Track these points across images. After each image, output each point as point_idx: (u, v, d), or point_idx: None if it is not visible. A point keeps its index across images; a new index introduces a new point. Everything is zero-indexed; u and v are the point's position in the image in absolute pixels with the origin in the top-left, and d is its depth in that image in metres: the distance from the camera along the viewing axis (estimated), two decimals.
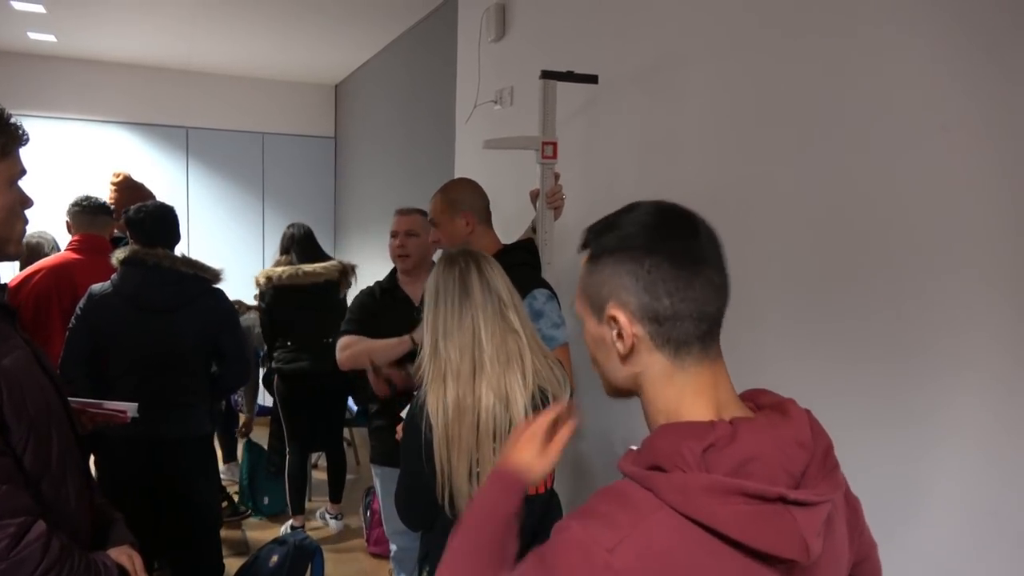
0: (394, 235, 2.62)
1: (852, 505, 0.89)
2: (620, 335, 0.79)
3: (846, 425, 1.71)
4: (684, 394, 0.78)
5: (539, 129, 2.32)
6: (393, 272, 2.68)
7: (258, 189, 6.38)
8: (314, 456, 4.49)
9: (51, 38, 5.09)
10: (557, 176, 2.35)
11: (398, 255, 2.61)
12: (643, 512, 0.70)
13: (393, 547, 2.70)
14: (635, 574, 0.67)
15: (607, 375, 0.85)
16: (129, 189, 3.56)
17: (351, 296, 4.13)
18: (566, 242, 2.29)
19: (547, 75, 2.31)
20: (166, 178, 5.85)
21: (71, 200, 3.15)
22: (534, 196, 2.33)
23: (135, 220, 2.61)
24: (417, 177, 4.66)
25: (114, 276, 2.56)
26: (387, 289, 2.63)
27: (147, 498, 2.55)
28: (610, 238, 0.79)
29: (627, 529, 0.69)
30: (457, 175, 3.97)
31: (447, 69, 4.04)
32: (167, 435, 2.54)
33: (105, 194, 3.42)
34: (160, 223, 2.62)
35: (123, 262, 2.54)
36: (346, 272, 3.83)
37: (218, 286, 2.69)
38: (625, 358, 0.80)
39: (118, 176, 3.65)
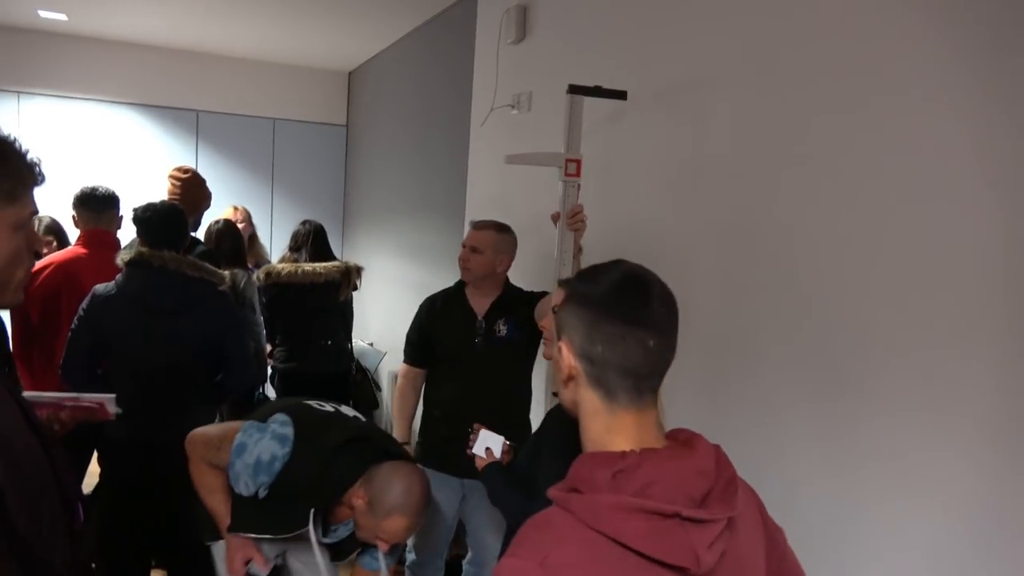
0: (463, 246, 2.60)
1: (771, 532, 1.01)
2: (563, 363, 0.96)
3: (845, 425, 1.65)
4: (610, 430, 0.92)
5: (563, 145, 2.23)
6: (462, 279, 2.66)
7: (268, 175, 6.28)
8: None
9: (62, 17, 5.00)
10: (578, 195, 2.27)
11: (462, 267, 2.59)
12: (561, 531, 0.83)
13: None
14: None
15: (560, 391, 1.00)
16: (195, 187, 3.37)
17: (359, 299, 4.08)
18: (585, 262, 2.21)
19: (574, 89, 2.21)
20: (175, 161, 5.58)
21: (76, 190, 3.05)
22: (555, 218, 2.25)
23: (143, 218, 2.55)
24: (430, 172, 4.56)
25: (118, 276, 2.51)
26: (452, 296, 2.65)
27: (145, 502, 2.51)
28: (582, 287, 0.95)
29: (549, 546, 0.82)
30: (471, 177, 3.87)
31: (464, 67, 3.93)
32: (167, 439, 2.46)
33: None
34: (167, 224, 2.56)
35: (128, 263, 2.48)
36: (349, 274, 3.73)
37: (223, 288, 2.63)
38: (566, 383, 0.96)
39: (186, 172, 3.38)
